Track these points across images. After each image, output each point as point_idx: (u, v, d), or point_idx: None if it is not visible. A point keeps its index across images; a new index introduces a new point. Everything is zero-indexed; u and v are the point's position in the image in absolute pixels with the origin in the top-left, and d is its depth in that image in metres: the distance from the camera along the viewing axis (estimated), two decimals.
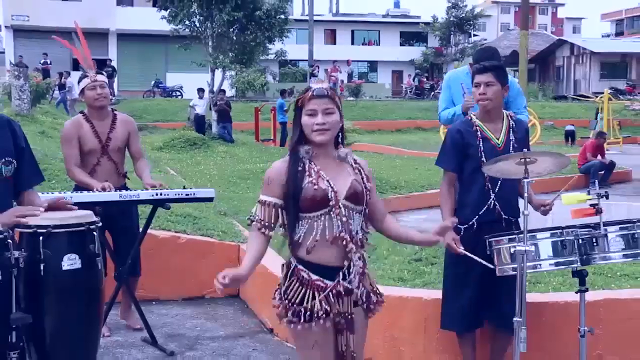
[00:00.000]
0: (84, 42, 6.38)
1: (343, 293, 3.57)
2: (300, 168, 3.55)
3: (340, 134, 3.65)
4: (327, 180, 3.54)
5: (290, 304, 3.57)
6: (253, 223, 3.60)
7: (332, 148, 3.64)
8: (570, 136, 30.31)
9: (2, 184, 3.85)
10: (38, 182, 4.13)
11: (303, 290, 3.55)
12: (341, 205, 3.54)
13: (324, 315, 3.53)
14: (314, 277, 3.54)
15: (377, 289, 3.80)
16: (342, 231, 3.54)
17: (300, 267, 3.58)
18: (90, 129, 6.19)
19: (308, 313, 3.53)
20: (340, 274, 3.57)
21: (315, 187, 3.51)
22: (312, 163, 3.57)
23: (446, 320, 5.17)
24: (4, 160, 3.87)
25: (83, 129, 6.18)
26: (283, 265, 3.69)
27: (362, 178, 3.67)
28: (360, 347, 3.72)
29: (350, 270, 3.59)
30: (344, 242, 3.55)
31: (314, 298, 3.53)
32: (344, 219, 3.55)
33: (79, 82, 6.27)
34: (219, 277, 3.35)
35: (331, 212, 3.53)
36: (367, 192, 3.66)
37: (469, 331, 5.16)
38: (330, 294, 3.55)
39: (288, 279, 3.61)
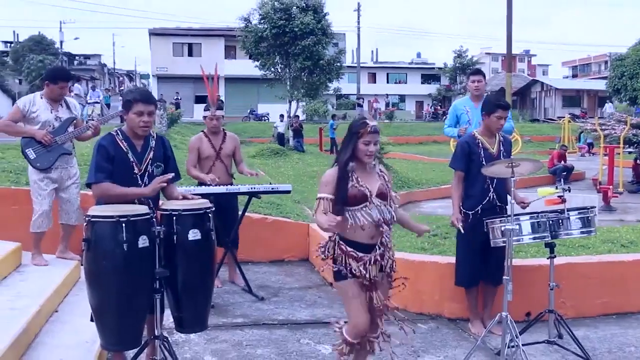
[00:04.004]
0: (215, 85, 6.44)
1: (373, 262, 3.59)
2: (346, 176, 3.58)
3: None
4: (364, 184, 3.58)
5: (336, 265, 3.62)
6: (317, 213, 3.58)
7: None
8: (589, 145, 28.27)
9: None
10: (177, 180, 4.20)
11: (343, 257, 3.59)
12: (374, 201, 3.57)
13: (358, 276, 3.57)
14: (349, 249, 3.58)
15: (395, 261, 3.75)
16: (379, 218, 3.58)
17: (341, 241, 3.61)
18: (208, 142, 6.26)
19: (348, 273, 3.57)
20: (377, 247, 3.59)
21: (357, 189, 3.56)
22: (354, 173, 3.60)
23: (458, 279, 5.18)
24: (156, 164, 4.00)
25: (203, 142, 6.27)
26: (329, 238, 3.70)
27: (386, 183, 3.69)
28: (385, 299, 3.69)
29: (382, 244, 3.61)
30: (380, 225, 3.58)
31: (350, 263, 3.56)
32: (378, 210, 3.58)
33: (204, 110, 6.29)
34: (330, 217, 3.40)
35: (367, 206, 3.56)
36: (389, 192, 3.68)
37: (473, 286, 5.15)
38: (366, 262, 3.57)
39: (334, 249, 3.63)
